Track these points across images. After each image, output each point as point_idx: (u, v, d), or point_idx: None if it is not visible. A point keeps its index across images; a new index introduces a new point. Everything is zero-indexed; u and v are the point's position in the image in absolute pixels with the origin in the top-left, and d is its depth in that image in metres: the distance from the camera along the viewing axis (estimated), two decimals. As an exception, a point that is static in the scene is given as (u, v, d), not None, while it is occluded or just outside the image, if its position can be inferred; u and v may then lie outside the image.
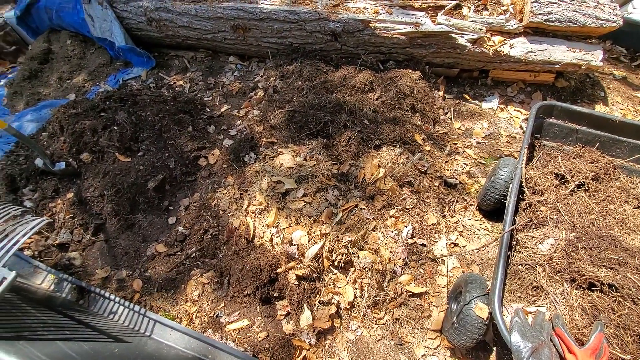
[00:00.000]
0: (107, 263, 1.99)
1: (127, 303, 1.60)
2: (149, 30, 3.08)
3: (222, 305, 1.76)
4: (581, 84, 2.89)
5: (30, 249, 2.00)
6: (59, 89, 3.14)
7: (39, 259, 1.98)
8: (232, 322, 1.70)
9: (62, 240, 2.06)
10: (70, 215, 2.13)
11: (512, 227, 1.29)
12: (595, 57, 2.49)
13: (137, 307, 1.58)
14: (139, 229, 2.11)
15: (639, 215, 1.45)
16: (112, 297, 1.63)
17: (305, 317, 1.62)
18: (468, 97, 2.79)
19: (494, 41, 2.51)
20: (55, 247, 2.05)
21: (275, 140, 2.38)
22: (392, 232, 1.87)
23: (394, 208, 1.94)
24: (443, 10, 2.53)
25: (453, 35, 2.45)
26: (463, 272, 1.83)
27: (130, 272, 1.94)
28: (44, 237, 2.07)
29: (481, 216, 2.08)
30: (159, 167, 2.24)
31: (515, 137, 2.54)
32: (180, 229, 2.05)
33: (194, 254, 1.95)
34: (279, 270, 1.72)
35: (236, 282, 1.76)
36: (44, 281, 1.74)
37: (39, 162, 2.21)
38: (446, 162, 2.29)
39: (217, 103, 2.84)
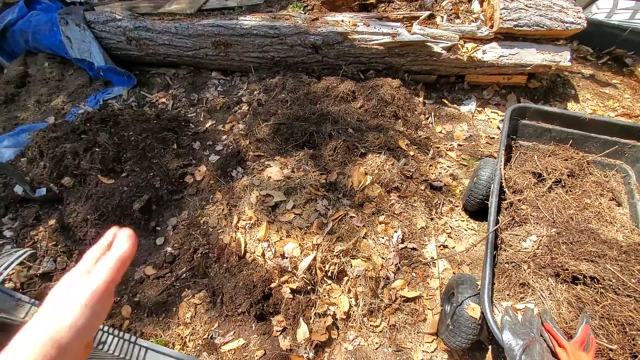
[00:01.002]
0: (94, 290, 1.92)
1: (116, 332, 1.55)
2: (128, 49, 3.06)
3: (216, 325, 1.72)
4: (552, 83, 3.03)
5: (12, 280, 1.91)
6: (38, 112, 3.06)
7: (21, 290, 1.89)
8: (227, 343, 1.67)
9: (45, 270, 1.99)
10: (53, 243, 2.06)
11: (495, 228, 1.33)
12: (563, 57, 2.63)
13: (127, 335, 1.52)
14: (126, 252, 2.05)
15: (614, 208, 1.52)
16: (100, 326, 1.57)
17: (302, 331, 1.61)
18: (447, 102, 2.89)
19: (467, 48, 2.61)
20: (38, 277, 1.97)
21: (262, 154, 2.38)
22: (383, 238, 1.89)
23: (383, 214, 1.97)
24: (418, 21, 2.63)
25: (428, 43, 2.54)
26: (454, 273, 1.86)
27: (118, 298, 1.88)
28: (26, 267, 1.98)
29: (467, 217, 2.13)
30: (144, 187, 2.20)
31: (494, 138, 2.63)
32: (169, 249, 2.01)
33: (184, 275, 1.91)
34: (273, 285, 1.70)
35: (229, 300, 1.73)
36: (27, 314, 1.67)
37: (18, 189, 2.14)
38: (430, 165, 2.34)
39: (202, 119, 2.84)
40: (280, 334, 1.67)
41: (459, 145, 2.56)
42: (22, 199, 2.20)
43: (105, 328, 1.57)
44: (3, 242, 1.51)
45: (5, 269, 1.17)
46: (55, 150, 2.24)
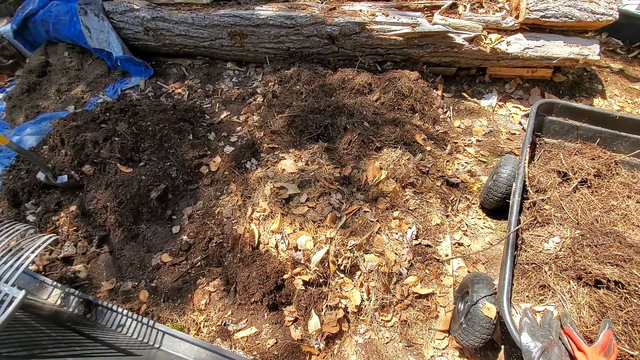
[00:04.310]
0: (113, 274, 1.99)
1: (135, 315, 1.61)
2: (146, 40, 3.08)
3: (229, 313, 1.76)
4: (579, 77, 2.90)
5: (35, 263, 2.00)
6: (58, 101, 3.14)
7: (44, 273, 1.98)
8: (240, 330, 1.71)
9: (66, 254, 2.06)
10: (74, 228, 2.13)
11: (517, 228, 1.29)
12: (592, 51, 2.50)
13: (145, 319, 1.58)
14: (143, 239, 2.11)
15: (642, 210, 1.45)
16: (120, 309, 1.63)
17: (313, 322, 1.63)
18: (466, 95, 2.80)
19: (490, 39, 2.51)
20: (59, 261, 2.05)
21: (276, 146, 2.38)
22: (397, 233, 1.87)
23: (397, 209, 1.95)
24: (439, 10, 2.53)
25: (450, 34, 2.46)
26: (469, 272, 1.83)
27: (136, 283, 1.94)
28: (48, 250, 2.07)
29: (484, 215, 2.09)
30: (161, 177, 2.24)
31: (515, 134, 2.55)
32: (185, 237, 2.05)
33: (199, 263, 1.95)
34: (285, 276, 1.72)
35: (243, 289, 1.76)
36: (50, 296, 1.75)
37: (41, 175, 2.21)
38: (447, 161, 2.29)
39: (217, 110, 2.85)
40: (292, 324, 1.70)
41: (478, 140, 2.49)
42: (44, 185, 2.27)
43: (125, 311, 1.63)
44: (27, 227, 1.57)
45: (32, 252, 1.22)
46: (76, 139, 2.29)
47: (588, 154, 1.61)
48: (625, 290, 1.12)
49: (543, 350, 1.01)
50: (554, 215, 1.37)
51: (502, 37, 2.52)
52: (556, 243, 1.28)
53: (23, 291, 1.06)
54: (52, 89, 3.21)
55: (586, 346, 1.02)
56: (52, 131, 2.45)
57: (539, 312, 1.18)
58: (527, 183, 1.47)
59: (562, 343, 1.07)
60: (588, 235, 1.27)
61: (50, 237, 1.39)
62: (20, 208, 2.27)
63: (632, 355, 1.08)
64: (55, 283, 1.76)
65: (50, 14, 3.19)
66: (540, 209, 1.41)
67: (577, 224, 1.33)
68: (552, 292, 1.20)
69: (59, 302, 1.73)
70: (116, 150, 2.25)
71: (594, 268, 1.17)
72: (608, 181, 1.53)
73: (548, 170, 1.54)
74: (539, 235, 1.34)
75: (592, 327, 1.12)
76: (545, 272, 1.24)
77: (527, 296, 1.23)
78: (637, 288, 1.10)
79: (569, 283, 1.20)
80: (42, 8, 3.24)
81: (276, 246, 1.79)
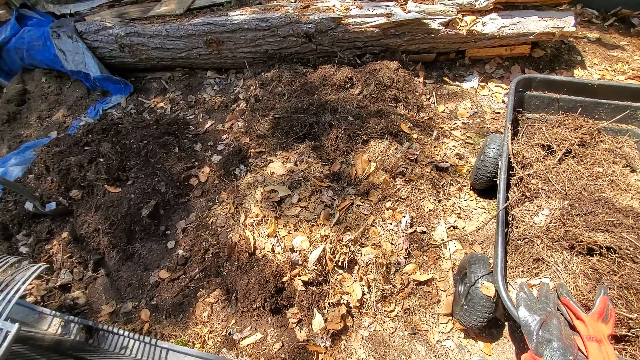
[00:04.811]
0: (112, 297, 1.97)
1: (136, 336, 1.59)
2: (122, 57, 3.05)
3: (232, 322, 1.75)
4: (557, 50, 2.92)
5: (32, 294, 1.97)
6: (40, 128, 3.10)
7: (42, 303, 1.95)
8: (245, 338, 1.70)
9: (63, 281, 2.04)
10: (68, 255, 2.11)
11: (505, 205, 1.30)
12: (567, 23, 2.51)
13: (147, 339, 1.56)
14: (138, 258, 2.09)
15: (628, 174, 1.47)
16: (121, 331, 1.62)
17: (317, 321, 1.62)
18: (448, 80, 2.81)
19: (466, 21, 2.52)
20: (57, 289, 2.02)
21: (264, 149, 2.37)
22: (391, 224, 1.87)
23: (389, 200, 1.95)
24: (411, -2, 2.53)
25: (425, 20, 2.46)
26: (466, 254, 1.84)
27: (136, 302, 1.92)
28: (44, 280, 2.04)
29: (476, 195, 2.09)
30: (151, 193, 2.22)
31: (499, 113, 2.56)
32: (181, 252, 2.03)
33: (197, 275, 1.94)
34: (285, 278, 1.71)
35: (244, 297, 1.75)
36: (50, 326, 1.72)
37: (29, 205, 2.18)
38: (435, 147, 2.30)
39: (201, 120, 2.83)
40: (296, 325, 1.69)
41: (464, 123, 2.50)
42: (33, 214, 2.24)
43: (126, 333, 1.62)
44: (19, 258, 1.55)
45: (23, 284, 1.20)
46: (61, 164, 2.27)
47: (570, 124, 1.62)
48: (617, 255, 1.13)
49: (542, 322, 1.02)
50: (542, 189, 1.38)
51: (477, 18, 2.53)
52: (546, 216, 1.29)
53: (17, 324, 1.04)
54: (33, 117, 3.16)
55: (584, 314, 1.03)
56: (37, 159, 2.42)
57: (535, 285, 1.19)
58: (512, 160, 1.48)
59: (561, 314, 1.08)
60: (577, 205, 1.28)
61: (40, 267, 1.37)
62: (12, 240, 2.24)
63: (630, 318, 1.09)
64: (54, 312, 1.74)
65: (23, 41, 3.14)
66: (528, 184, 1.42)
67: (565, 194, 1.34)
68: (547, 265, 1.21)
69: (59, 331, 1.70)
70: (102, 171, 2.22)
71: (585, 236, 1.18)
72: (592, 149, 1.55)
73: (532, 144, 1.55)
74: (528, 210, 1.35)
75: (588, 295, 1.12)
76: (537, 245, 1.24)
77: (522, 271, 1.24)
78: (628, 251, 1.11)
79: (562, 254, 1.20)
80: (14, 35, 3.20)
81: (272, 250, 1.78)
